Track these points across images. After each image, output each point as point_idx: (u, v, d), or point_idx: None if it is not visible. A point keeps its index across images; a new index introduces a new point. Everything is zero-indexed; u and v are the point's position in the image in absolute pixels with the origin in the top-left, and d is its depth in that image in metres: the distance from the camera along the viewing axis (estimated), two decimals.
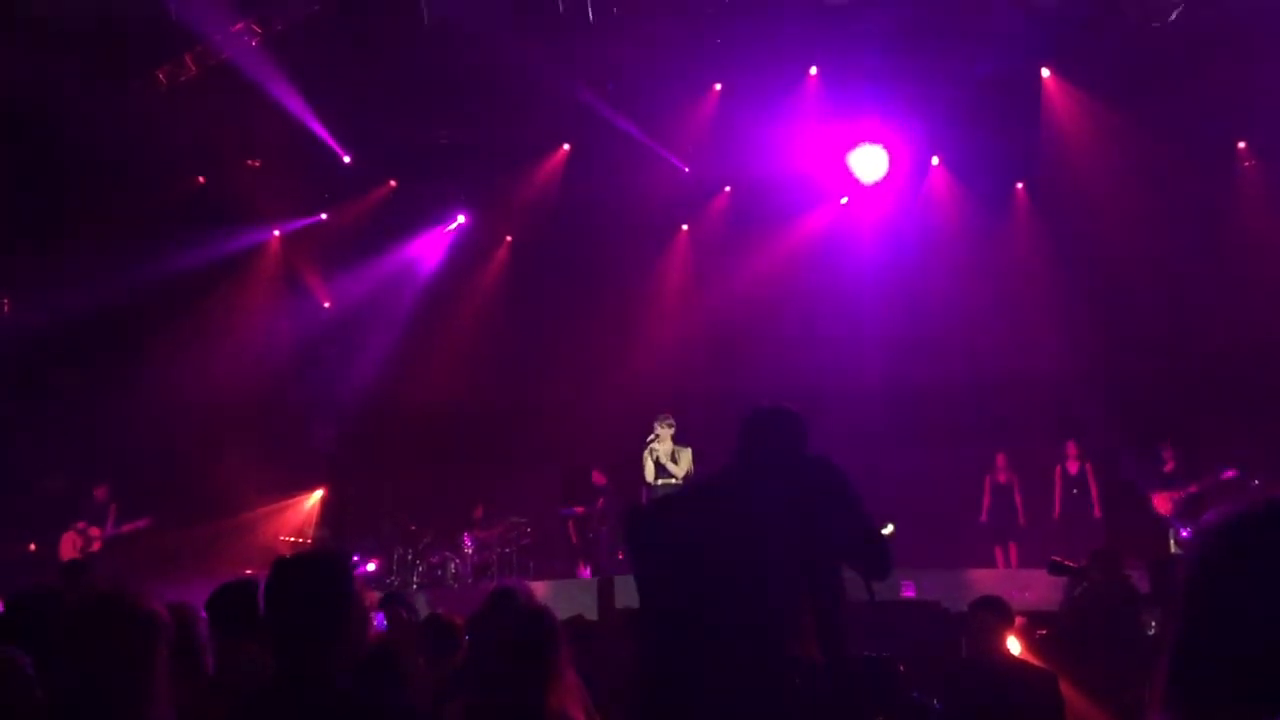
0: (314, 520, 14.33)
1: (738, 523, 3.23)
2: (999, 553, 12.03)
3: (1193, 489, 10.60)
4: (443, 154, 13.13)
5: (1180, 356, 12.60)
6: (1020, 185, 13.55)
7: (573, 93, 11.92)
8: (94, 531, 11.44)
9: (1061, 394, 12.77)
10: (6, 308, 12.59)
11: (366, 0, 11.03)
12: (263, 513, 13.78)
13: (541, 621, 3.52)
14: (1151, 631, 6.61)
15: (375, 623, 5.08)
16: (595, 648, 4.47)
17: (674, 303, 14.67)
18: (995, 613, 5.03)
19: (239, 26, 10.90)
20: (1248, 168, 12.62)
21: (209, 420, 13.18)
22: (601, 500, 12.87)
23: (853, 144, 12.76)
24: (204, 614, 3.67)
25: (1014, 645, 5.18)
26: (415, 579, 12.48)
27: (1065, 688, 5.01)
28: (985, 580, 10.11)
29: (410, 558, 12.67)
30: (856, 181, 13.04)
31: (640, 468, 9.71)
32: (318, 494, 14.65)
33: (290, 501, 14.35)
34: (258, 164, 13.18)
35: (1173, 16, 9.85)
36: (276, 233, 14.16)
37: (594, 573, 12.16)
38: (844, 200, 13.79)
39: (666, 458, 9.54)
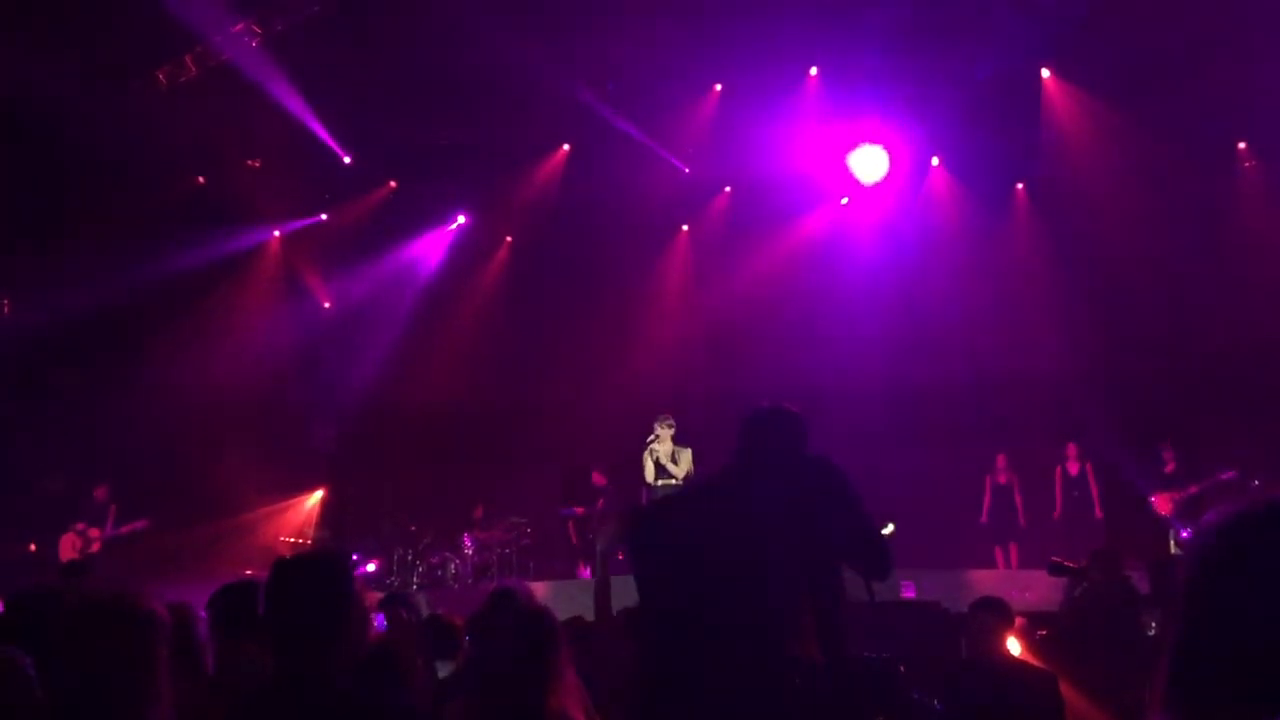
0: (314, 521, 14.33)
1: (738, 523, 3.22)
2: (999, 553, 12.04)
3: (1193, 489, 10.60)
4: (443, 154, 13.13)
5: (1180, 356, 12.60)
6: (1020, 185, 13.54)
7: (573, 93, 11.93)
8: (93, 532, 11.44)
9: (1062, 394, 12.77)
10: (6, 308, 12.59)
11: (366, 0, 11.03)
12: (263, 513, 13.77)
13: (542, 622, 3.52)
14: (1151, 632, 6.61)
15: (375, 624, 5.08)
16: (595, 648, 4.46)
17: (674, 303, 14.67)
18: (995, 613, 5.03)
19: (239, 27, 10.91)
20: (1248, 168, 12.62)
21: (209, 420, 13.17)
22: (601, 501, 12.86)
23: (853, 144, 12.76)
24: (204, 614, 3.67)
25: (1014, 646, 5.18)
26: (415, 579, 12.48)
27: (1065, 688, 5.01)
28: (985, 581, 10.12)
29: (410, 558, 12.67)
30: (857, 182, 13.04)
31: (640, 468, 9.71)
32: (318, 494, 14.65)
33: (290, 502, 14.35)
34: (258, 164, 13.19)
35: None
36: (277, 233, 14.17)
37: (594, 573, 12.15)
38: (844, 201, 13.79)
39: (666, 458, 9.53)
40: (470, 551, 12.82)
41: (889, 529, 8.12)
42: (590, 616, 5.20)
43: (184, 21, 10.37)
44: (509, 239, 14.96)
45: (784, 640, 3.10)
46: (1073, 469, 11.87)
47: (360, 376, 14.26)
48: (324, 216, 14.18)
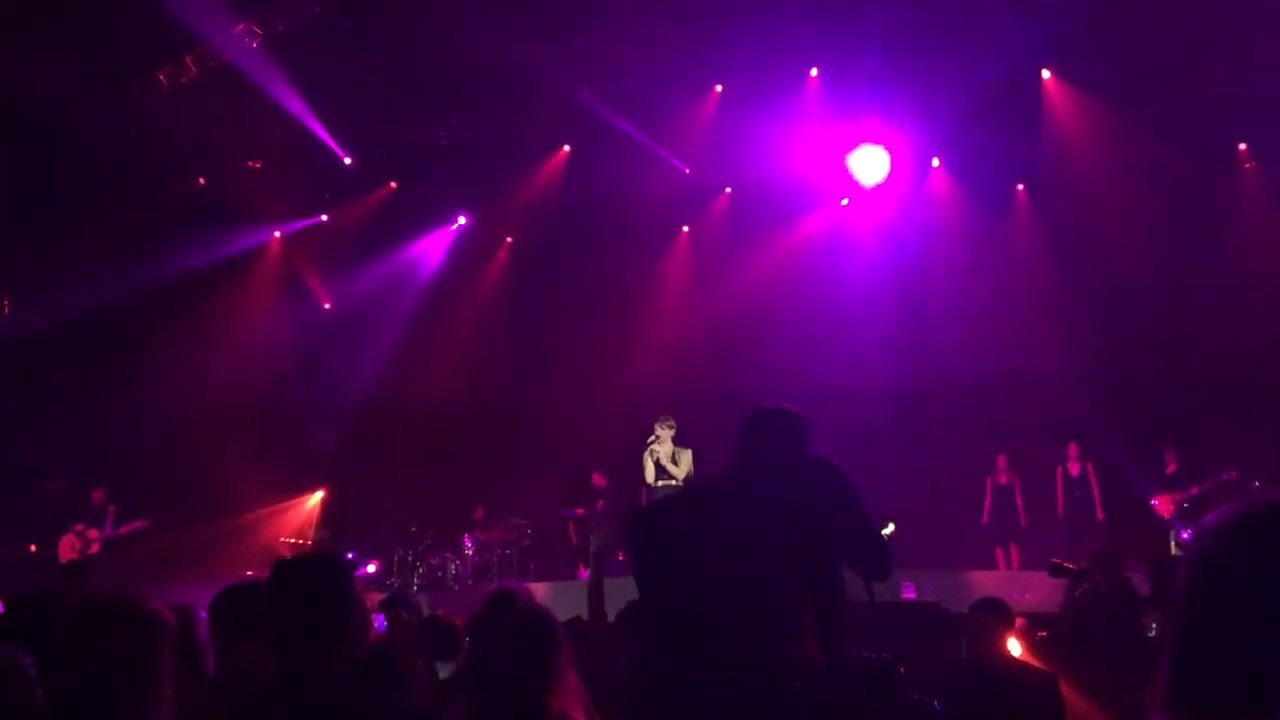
0: (314, 521, 14.31)
1: (738, 523, 3.21)
2: (1000, 554, 12.03)
3: (1194, 490, 10.59)
4: (443, 154, 13.13)
5: (1180, 357, 12.60)
6: (1021, 186, 13.55)
7: (573, 93, 11.93)
8: (92, 533, 11.44)
9: (1062, 395, 12.76)
10: (7, 308, 12.60)
11: (366, 0, 11.04)
12: (263, 514, 13.76)
13: (542, 623, 3.52)
14: (1152, 633, 6.60)
15: (376, 624, 5.07)
16: (595, 648, 4.46)
17: (674, 304, 14.67)
18: (996, 614, 5.03)
19: (240, 28, 10.91)
20: (1248, 169, 12.62)
21: (209, 421, 13.17)
22: (602, 502, 12.86)
23: (853, 145, 12.76)
24: (204, 615, 3.66)
25: (1014, 647, 5.17)
26: (416, 580, 12.48)
27: (1066, 689, 5.01)
28: (986, 582, 10.11)
29: (411, 559, 12.67)
30: (857, 183, 13.04)
31: (640, 469, 9.70)
32: (318, 495, 14.64)
33: (290, 503, 14.34)
34: (258, 165, 13.19)
35: None
36: (277, 234, 14.17)
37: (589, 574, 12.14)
38: (845, 202, 13.78)
39: (667, 459, 9.52)
40: (471, 552, 12.82)
41: (889, 529, 8.11)
42: None
43: (184, 22, 10.37)
44: (509, 239, 14.96)
45: (784, 641, 3.08)
46: (1074, 469, 11.86)
47: (360, 377, 14.26)
48: (324, 217, 14.19)
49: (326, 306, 14.82)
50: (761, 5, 10.96)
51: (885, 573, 3.42)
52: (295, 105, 11.62)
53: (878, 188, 13.01)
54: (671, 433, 9.59)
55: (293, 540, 13.19)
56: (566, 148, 13.51)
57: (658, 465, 9.53)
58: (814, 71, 12.26)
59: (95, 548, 11.36)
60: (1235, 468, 10.31)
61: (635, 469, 9.87)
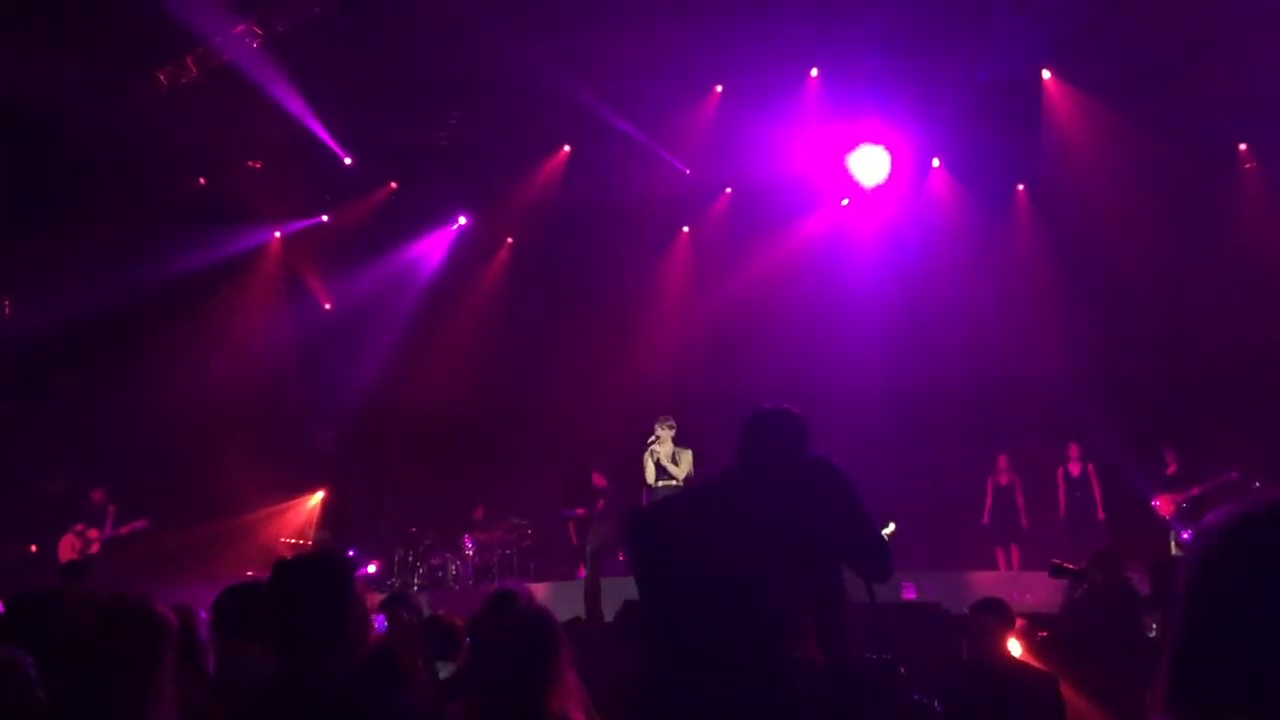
0: (314, 521, 14.32)
1: (738, 524, 3.22)
2: (1000, 554, 12.04)
3: (1194, 491, 10.60)
4: (443, 155, 13.13)
5: (1180, 357, 12.61)
6: (1021, 187, 13.55)
7: (573, 93, 11.92)
8: (92, 534, 11.44)
9: (1063, 395, 12.76)
10: (7, 308, 12.60)
11: (366, 0, 11.04)
12: (263, 514, 13.77)
13: (542, 623, 3.52)
14: (1152, 634, 6.60)
15: (376, 625, 5.07)
16: (595, 648, 4.46)
17: (674, 304, 14.67)
18: (996, 615, 5.03)
19: (240, 28, 10.91)
20: (1248, 169, 12.62)
21: (209, 421, 13.17)
22: (602, 502, 12.85)
23: (853, 146, 12.76)
24: (204, 615, 3.67)
25: (1015, 647, 5.17)
26: (416, 580, 12.48)
27: (1066, 690, 5.01)
28: (986, 582, 10.12)
29: (411, 559, 12.67)
30: (857, 183, 13.04)
31: (641, 469, 9.70)
32: (318, 495, 14.64)
33: (291, 503, 14.34)
34: (259, 165, 13.19)
35: None
36: (277, 234, 14.17)
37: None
38: (845, 202, 13.78)
39: (667, 459, 9.52)
40: (471, 553, 12.82)
41: (890, 530, 8.13)
42: None
43: (185, 23, 10.37)
44: (510, 240, 14.96)
45: (784, 641, 3.10)
46: (1074, 470, 11.86)
47: (361, 377, 14.26)
48: (325, 217, 14.19)
49: (327, 306, 14.82)
50: (761, 5, 10.95)
51: (886, 573, 3.41)
52: (295, 105, 11.62)
53: (878, 188, 13.00)
54: (671, 433, 9.59)
55: (293, 540, 13.20)
56: (566, 148, 13.51)
57: (658, 465, 9.53)
58: (814, 72, 12.25)
59: (95, 548, 11.36)
60: (1235, 468, 10.31)
61: (635, 469, 9.88)
